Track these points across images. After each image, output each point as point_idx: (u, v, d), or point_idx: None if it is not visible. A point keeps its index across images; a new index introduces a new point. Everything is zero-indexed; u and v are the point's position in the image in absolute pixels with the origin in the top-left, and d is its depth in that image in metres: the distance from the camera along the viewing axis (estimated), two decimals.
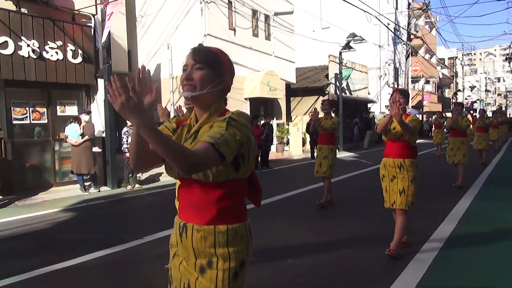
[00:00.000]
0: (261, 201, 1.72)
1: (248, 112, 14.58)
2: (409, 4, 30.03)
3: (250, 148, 1.48)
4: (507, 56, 30.54)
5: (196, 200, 1.48)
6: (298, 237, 4.90)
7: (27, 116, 8.54)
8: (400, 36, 27.96)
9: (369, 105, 25.48)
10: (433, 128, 17.15)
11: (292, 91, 19.67)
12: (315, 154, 6.72)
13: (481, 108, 14.92)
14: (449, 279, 3.48)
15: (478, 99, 58.64)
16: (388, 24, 23.31)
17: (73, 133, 8.37)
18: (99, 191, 8.73)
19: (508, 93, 75.33)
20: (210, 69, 1.50)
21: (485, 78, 74.17)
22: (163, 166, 1.54)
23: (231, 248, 1.46)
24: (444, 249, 4.19)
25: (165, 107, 3.57)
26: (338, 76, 19.14)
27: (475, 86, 61.65)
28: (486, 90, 73.33)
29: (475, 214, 5.74)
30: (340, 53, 19.01)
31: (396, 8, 28.43)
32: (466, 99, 53.98)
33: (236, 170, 1.45)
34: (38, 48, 8.26)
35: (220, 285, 1.43)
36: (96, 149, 8.89)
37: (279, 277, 3.65)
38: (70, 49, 8.81)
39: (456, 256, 4.01)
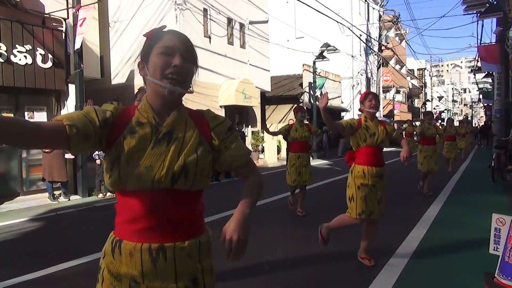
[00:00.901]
0: None
1: None
2: (380, 16, 30.93)
3: None
4: (472, 68, 31.84)
5: (175, 215, 1.28)
6: (273, 244, 4.89)
7: None
8: (371, 47, 28.71)
9: (343, 113, 25.94)
10: (404, 136, 17.60)
11: (267, 99, 19.78)
12: (291, 162, 6.48)
13: (449, 117, 15.43)
14: (422, 283, 3.55)
15: (445, 109, 60.75)
16: (360, 35, 23.91)
17: None
18: (69, 199, 8.46)
19: (473, 104, 78.45)
20: (193, 64, 1.35)
21: (452, 89, 77.09)
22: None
23: (211, 258, 1.40)
24: (416, 253, 4.28)
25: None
26: (312, 85, 19.41)
27: (443, 97, 63.94)
28: (453, 101, 76.14)
29: (445, 220, 5.90)
30: (314, 63, 19.31)
31: (368, 20, 29.21)
32: (434, 108, 55.81)
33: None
34: (6, 51, 7.98)
35: None
36: (68, 155, 8.63)
37: (255, 283, 3.62)
38: (40, 53, 8.56)
39: (428, 260, 4.10)
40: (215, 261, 1.43)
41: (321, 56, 18.95)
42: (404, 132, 15.87)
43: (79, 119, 1.23)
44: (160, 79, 1.27)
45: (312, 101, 19.28)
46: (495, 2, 14.31)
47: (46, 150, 8.07)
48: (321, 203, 7.55)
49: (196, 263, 1.33)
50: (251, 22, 16.87)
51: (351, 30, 21.22)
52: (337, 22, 17.79)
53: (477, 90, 45.74)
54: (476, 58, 22.09)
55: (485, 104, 34.15)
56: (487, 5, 13.56)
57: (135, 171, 1.24)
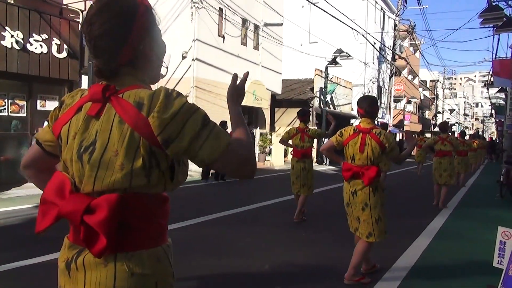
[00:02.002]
0: None
1: None
2: (395, 25, 30.79)
3: None
4: (486, 83, 31.59)
5: None
6: (276, 244, 4.89)
7: (5, 108, 8.32)
8: (385, 56, 28.59)
9: (352, 120, 25.84)
10: (417, 148, 17.25)
11: (277, 102, 19.80)
12: (296, 166, 6.14)
13: (462, 130, 15.13)
14: None
15: (456, 122, 60.25)
16: (374, 43, 23.84)
17: None
18: None
19: (485, 118, 77.67)
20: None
21: (464, 102, 76.45)
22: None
23: None
24: (418, 264, 4.25)
25: None
26: (323, 90, 19.38)
27: (454, 109, 63.42)
28: (465, 114, 75.50)
29: (449, 232, 5.85)
30: (326, 68, 19.29)
31: (383, 29, 29.10)
32: (445, 120, 55.38)
33: None
34: (22, 39, 8.09)
35: None
36: None
37: (256, 283, 3.62)
38: (55, 43, 8.66)
39: (430, 271, 4.07)
40: None
41: (333, 62, 18.92)
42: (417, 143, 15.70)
43: None
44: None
45: (322, 106, 19.25)
46: None
47: None
48: (322, 208, 7.52)
49: None
50: (265, 24, 16.91)
51: (366, 38, 21.16)
52: (352, 28, 17.76)
53: (489, 105, 45.29)
54: (490, 73, 21.89)
55: (497, 120, 33.80)
56: (504, 19, 13.43)
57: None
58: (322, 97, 19.53)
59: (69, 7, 9.12)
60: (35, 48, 8.31)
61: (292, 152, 6.24)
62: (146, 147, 1.00)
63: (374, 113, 3.56)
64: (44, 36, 8.46)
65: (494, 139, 32.05)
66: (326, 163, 18.75)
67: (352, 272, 3.51)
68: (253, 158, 1.09)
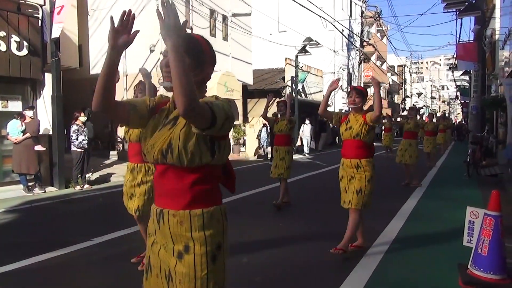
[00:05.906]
0: (235, 186, 1.77)
1: None
2: (362, 12, 31.15)
3: (228, 131, 1.53)
4: (451, 66, 32.55)
5: (171, 186, 1.51)
6: (254, 235, 4.90)
7: None
8: (353, 43, 28.94)
9: None
10: (383, 132, 17.74)
11: (248, 93, 19.72)
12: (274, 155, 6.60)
13: (430, 112, 15.58)
14: (398, 274, 3.62)
15: (424, 105, 61.93)
16: (343, 30, 24.07)
17: (13, 130, 7.84)
18: (45, 191, 8.26)
19: (451, 100, 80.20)
20: (191, 58, 1.48)
21: (431, 85, 78.59)
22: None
23: (207, 232, 1.49)
24: (393, 245, 4.36)
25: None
26: (294, 79, 19.45)
27: (422, 93, 65.12)
28: (432, 97, 77.69)
29: (421, 213, 6.03)
30: (297, 57, 19.34)
31: (350, 16, 29.40)
32: (413, 105, 56.84)
33: (211, 155, 1.49)
34: None
35: (199, 269, 1.46)
36: (39, 147, 8.30)
37: (235, 275, 3.61)
38: (15, 41, 8.27)
39: (404, 252, 4.19)
40: (217, 237, 1.52)
41: (303, 50, 18.98)
42: (384, 127, 16.10)
43: (139, 102, 1.57)
44: None
45: (294, 95, 19.33)
46: (473, 1, 14.60)
47: (15, 142, 7.83)
48: (302, 196, 7.59)
49: (187, 232, 1.48)
50: (234, 15, 16.73)
51: (334, 25, 21.32)
52: (320, 16, 17.85)
53: (454, 87, 46.73)
54: (455, 56, 22.54)
55: (462, 101, 34.94)
56: (466, 3, 13.82)
57: (146, 148, 1.55)
58: (293, 86, 19.60)
59: (27, 2, 8.70)
60: None
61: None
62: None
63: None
64: (2, 33, 8.06)
65: (460, 121, 33.15)
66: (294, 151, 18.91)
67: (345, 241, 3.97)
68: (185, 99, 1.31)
